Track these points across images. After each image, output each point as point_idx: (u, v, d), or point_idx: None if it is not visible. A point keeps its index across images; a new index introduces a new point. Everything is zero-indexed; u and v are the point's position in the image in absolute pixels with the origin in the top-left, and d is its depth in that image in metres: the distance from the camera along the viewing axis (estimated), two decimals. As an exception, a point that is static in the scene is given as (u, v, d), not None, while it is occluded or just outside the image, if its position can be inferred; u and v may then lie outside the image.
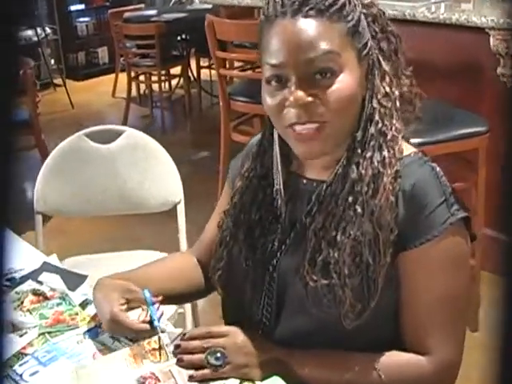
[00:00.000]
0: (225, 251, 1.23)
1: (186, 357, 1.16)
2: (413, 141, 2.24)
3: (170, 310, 1.96)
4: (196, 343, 1.17)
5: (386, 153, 1.09)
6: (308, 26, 1.04)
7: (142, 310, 1.25)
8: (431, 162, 1.12)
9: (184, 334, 1.21)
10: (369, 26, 1.11)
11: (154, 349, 1.21)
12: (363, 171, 1.08)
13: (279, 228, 1.18)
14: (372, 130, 1.10)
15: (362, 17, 1.09)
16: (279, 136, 1.16)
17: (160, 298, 1.28)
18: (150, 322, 1.23)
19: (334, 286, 1.08)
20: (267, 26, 1.09)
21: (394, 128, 1.11)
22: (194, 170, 4.49)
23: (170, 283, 1.36)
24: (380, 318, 1.11)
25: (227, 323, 1.29)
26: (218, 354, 1.13)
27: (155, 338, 1.22)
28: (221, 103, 3.49)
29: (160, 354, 1.20)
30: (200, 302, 2.42)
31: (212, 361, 1.13)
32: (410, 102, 1.15)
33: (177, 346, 1.19)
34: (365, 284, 1.07)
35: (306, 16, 1.05)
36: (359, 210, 1.07)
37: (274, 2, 1.08)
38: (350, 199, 1.08)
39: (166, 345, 1.21)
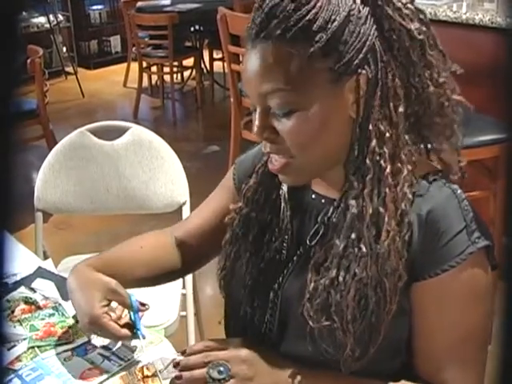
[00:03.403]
0: (233, 250, 1.15)
1: (186, 373, 1.07)
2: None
3: (172, 314, 1.90)
4: (196, 358, 1.08)
5: (386, 189, 0.96)
6: (262, 55, 0.93)
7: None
8: (452, 184, 1.01)
9: (183, 352, 1.12)
10: (383, 29, 0.94)
11: (146, 376, 1.14)
12: (363, 209, 0.97)
13: (286, 242, 1.10)
14: (367, 161, 0.97)
15: (356, 20, 0.92)
16: None
17: (147, 306, 1.20)
18: (130, 325, 1.17)
19: (335, 330, 0.98)
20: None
21: (396, 159, 0.96)
22: (203, 164, 4.42)
23: (145, 270, 1.28)
24: (389, 351, 1.02)
25: (228, 335, 1.22)
26: (221, 368, 1.05)
27: (148, 364, 1.15)
28: (232, 99, 3.40)
29: (153, 382, 1.12)
30: (203, 304, 2.36)
31: (215, 375, 1.04)
32: (434, 120, 1.01)
33: (176, 364, 1.10)
34: (366, 330, 0.98)
35: (265, 41, 0.94)
36: (364, 248, 0.97)
37: (250, 21, 0.98)
38: (353, 236, 0.98)
39: (159, 371, 1.13)
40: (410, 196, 0.97)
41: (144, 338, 1.17)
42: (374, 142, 0.96)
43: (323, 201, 1.08)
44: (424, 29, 0.98)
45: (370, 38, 0.93)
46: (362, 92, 0.95)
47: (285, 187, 1.12)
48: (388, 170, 0.96)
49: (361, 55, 0.93)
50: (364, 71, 0.94)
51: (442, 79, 1.00)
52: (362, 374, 1.02)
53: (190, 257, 1.33)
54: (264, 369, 1.06)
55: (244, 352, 1.07)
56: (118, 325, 1.15)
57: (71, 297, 1.20)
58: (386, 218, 0.95)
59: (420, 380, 1.04)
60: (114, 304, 1.18)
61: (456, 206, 0.98)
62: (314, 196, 1.10)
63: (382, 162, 0.96)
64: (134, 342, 1.20)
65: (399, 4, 0.96)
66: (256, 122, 0.98)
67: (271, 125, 0.97)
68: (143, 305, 1.19)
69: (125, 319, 1.18)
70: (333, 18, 0.91)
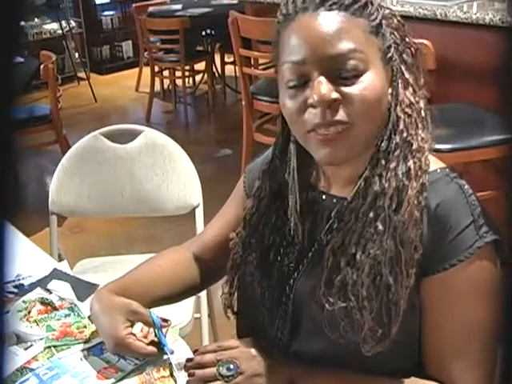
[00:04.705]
0: (236, 276, 1.17)
1: (198, 371, 1.11)
2: (443, 146, 2.18)
3: (186, 316, 1.91)
4: (209, 356, 1.12)
5: (411, 164, 1.01)
6: (331, 20, 0.97)
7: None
8: (460, 179, 1.03)
9: (196, 350, 1.16)
10: (391, 34, 1.03)
11: (162, 376, 1.15)
12: (386, 184, 1.00)
13: (296, 248, 1.11)
14: (397, 138, 1.01)
15: (384, 22, 1.02)
16: (297, 149, 1.08)
17: (169, 322, 1.21)
18: (157, 343, 1.18)
19: (351, 310, 1.00)
20: (286, 24, 1.01)
21: (419, 138, 1.02)
22: (216, 168, 4.43)
23: (166, 289, 1.29)
24: (402, 347, 1.03)
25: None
26: (231, 365, 1.09)
27: (164, 364, 1.16)
28: (243, 102, 3.42)
29: (169, 382, 1.14)
30: (217, 306, 2.37)
31: (224, 371, 1.08)
32: (427, 117, 1.07)
33: (189, 360, 1.14)
34: (385, 307, 0.99)
35: (329, 10, 0.97)
36: (380, 226, 0.99)
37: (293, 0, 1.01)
38: (371, 215, 1.00)
39: (176, 370, 1.15)
40: (428, 175, 1.02)
41: (172, 353, 1.18)
42: (402, 125, 1.02)
43: (335, 200, 1.09)
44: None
45: (391, 41, 1.03)
46: (393, 79, 1.03)
47: (296, 200, 1.11)
48: (414, 146, 1.02)
49: (393, 48, 1.02)
50: (396, 63, 1.03)
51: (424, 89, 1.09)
52: (375, 373, 1.03)
53: (208, 271, 1.34)
54: (272, 366, 1.08)
55: (253, 350, 1.10)
56: (144, 343, 1.17)
57: (95, 321, 1.24)
58: (409, 191, 0.99)
59: (431, 378, 1.05)
60: (139, 324, 1.19)
61: (463, 200, 1.00)
62: (324, 197, 1.11)
63: (409, 139, 1.02)
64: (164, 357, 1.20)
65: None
66: (320, 86, 0.96)
67: (335, 88, 0.97)
68: (165, 320, 1.21)
69: (150, 337, 1.19)
70: (378, 9, 1.01)
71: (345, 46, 0.96)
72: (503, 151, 2.22)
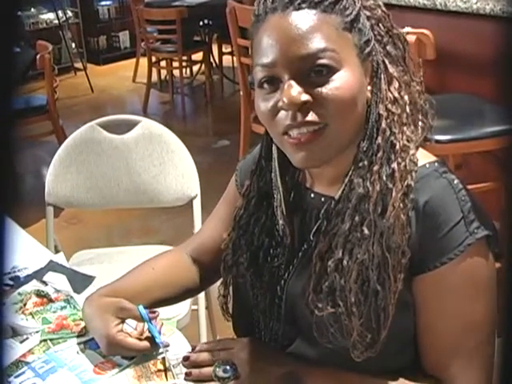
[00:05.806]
0: (229, 278, 1.16)
1: (195, 371, 1.11)
2: (443, 137, 2.17)
3: (184, 308, 1.90)
4: (205, 356, 1.11)
5: (395, 165, 0.97)
6: (300, 20, 0.94)
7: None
8: (449, 174, 1.00)
9: (194, 348, 1.16)
10: (373, 28, 1.00)
11: (159, 370, 1.14)
12: (370, 187, 0.97)
13: (286, 249, 1.09)
14: (379, 139, 0.98)
15: (363, 15, 0.99)
16: (278, 150, 1.05)
17: (157, 313, 1.20)
18: (150, 337, 1.17)
19: (340, 315, 0.98)
20: (258, 25, 0.99)
21: (404, 137, 0.99)
22: (214, 159, 4.42)
23: (161, 291, 1.27)
24: (395, 346, 1.02)
25: None
26: (227, 367, 1.07)
27: (161, 358, 1.15)
28: (241, 93, 3.40)
29: (166, 376, 1.13)
30: (214, 298, 2.36)
31: (220, 373, 1.07)
32: (421, 110, 1.04)
33: (186, 358, 1.13)
34: (373, 313, 0.97)
35: (298, 9, 0.94)
36: (366, 231, 0.96)
37: (264, 0, 0.99)
38: (357, 219, 0.97)
39: (173, 366, 1.14)
40: (414, 174, 0.98)
41: (167, 345, 1.17)
42: (384, 123, 0.99)
43: (322, 199, 1.07)
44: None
45: (371, 35, 1.00)
46: (374, 75, 1.00)
47: (281, 202, 1.09)
48: (398, 147, 0.98)
49: (372, 42, 0.99)
50: (377, 57, 1.00)
51: (418, 78, 1.06)
52: (370, 371, 1.02)
53: (206, 271, 1.32)
54: (270, 369, 1.07)
55: (252, 352, 1.09)
56: (140, 339, 1.16)
57: (88, 326, 1.23)
58: (394, 194, 0.96)
59: (423, 376, 1.04)
60: (133, 322, 1.18)
61: (453, 196, 0.97)
62: (312, 195, 1.09)
63: (392, 139, 0.98)
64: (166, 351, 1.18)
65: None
66: (290, 88, 0.93)
67: (306, 90, 0.94)
68: (153, 312, 1.19)
69: (146, 333, 1.18)
70: (354, 3, 0.98)
71: (315, 45, 0.93)
72: (503, 142, 2.21)
